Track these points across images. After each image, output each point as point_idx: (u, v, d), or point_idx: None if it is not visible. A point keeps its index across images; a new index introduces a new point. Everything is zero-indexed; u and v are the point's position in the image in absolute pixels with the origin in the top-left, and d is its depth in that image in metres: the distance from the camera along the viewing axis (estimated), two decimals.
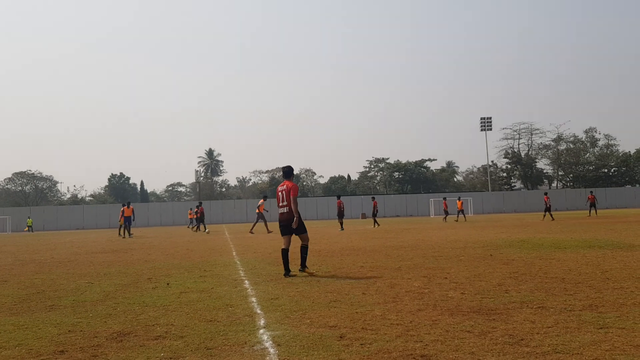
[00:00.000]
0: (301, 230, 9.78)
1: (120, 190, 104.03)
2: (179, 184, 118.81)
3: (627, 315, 5.32)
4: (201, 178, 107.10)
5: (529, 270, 8.95)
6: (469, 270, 9.20)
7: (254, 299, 7.07)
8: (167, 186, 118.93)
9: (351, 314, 5.86)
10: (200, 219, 35.62)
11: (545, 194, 35.75)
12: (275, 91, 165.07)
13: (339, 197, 30.00)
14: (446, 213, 40.15)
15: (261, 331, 5.22)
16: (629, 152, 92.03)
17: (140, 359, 4.40)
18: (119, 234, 30.97)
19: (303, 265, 9.68)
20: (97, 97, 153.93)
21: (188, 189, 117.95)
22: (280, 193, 9.84)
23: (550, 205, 33.82)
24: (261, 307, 6.46)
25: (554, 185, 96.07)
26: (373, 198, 33.42)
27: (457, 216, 41.01)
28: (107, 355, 4.54)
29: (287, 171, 10.13)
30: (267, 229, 28.85)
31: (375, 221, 32.36)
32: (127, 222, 28.80)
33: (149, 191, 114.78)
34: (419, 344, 4.53)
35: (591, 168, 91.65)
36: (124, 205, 29.29)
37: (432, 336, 4.79)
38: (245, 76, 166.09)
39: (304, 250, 9.73)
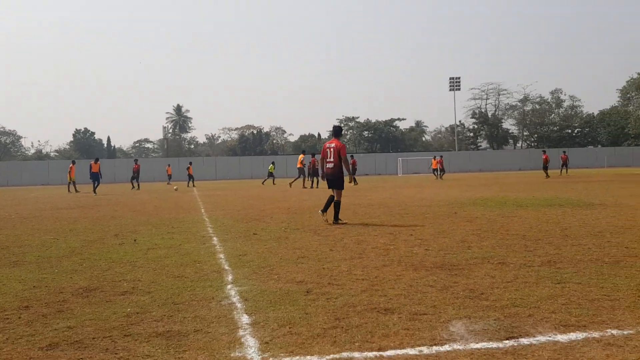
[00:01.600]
0: (340, 186, 10.68)
1: (86, 145, 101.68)
2: (147, 140, 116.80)
3: (583, 271, 5.54)
4: (169, 134, 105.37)
5: (491, 227, 9.20)
6: (433, 228, 9.40)
7: (222, 256, 7.12)
8: (134, 142, 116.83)
9: (318, 270, 5.96)
10: (190, 176, 38.32)
11: (544, 151, 36.77)
12: (245, 48, 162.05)
13: (313, 155, 30.01)
14: (437, 171, 40.81)
15: (229, 287, 5.28)
16: (593, 113, 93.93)
17: (106, 314, 4.42)
18: (68, 190, 31.01)
19: (336, 218, 10.52)
20: (60, 49, 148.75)
21: (156, 146, 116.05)
22: (328, 150, 10.76)
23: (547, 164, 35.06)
24: (229, 264, 6.51)
25: (518, 145, 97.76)
26: (352, 156, 33.39)
27: (436, 174, 41.40)
28: (73, 311, 4.54)
29: (337, 130, 11.15)
30: (303, 184, 29.34)
31: (354, 179, 31.23)
32: (94, 179, 28.48)
33: (116, 147, 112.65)
34: (383, 298, 4.65)
35: (555, 129, 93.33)
36: (92, 161, 29.07)
37: (396, 290, 4.92)
38: (214, 33, 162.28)
39: (337, 205, 10.59)
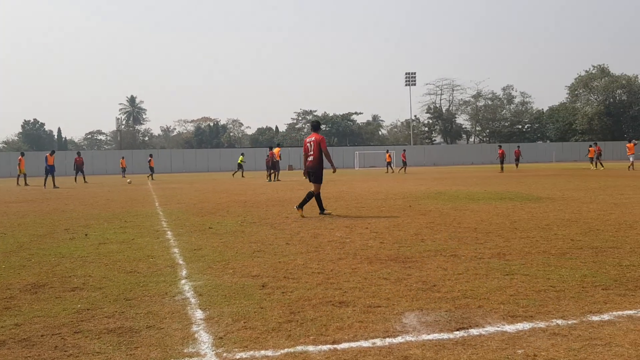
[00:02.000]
0: (317, 180, 10.83)
1: (36, 137, 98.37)
2: (99, 132, 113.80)
3: (531, 262, 5.72)
4: (122, 126, 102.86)
5: (444, 220, 9.39)
6: (388, 221, 9.52)
7: (176, 250, 7.02)
8: (86, 134, 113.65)
9: (274, 264, 5.96)
10: (152, 168, 38.41)
11: (500, 146, 37.87)
12: (201, 39, 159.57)
13: (271, 148, 30.15)
14: (391, 165, 41.94)
15: (183, 281, 5.21)
16: (542, 109, 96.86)
17: (55, 310, 4.30)
18: (17, 183, 30.08)
19: (301, 206, 10.66)
20: (8, 37, 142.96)
21: (109, 138, 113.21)
22: (308, 144, 10.93)
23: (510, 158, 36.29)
24: (183, 258, 6.43)
25: (471, 140, 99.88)
26: (270, 148, 33.40)
27: (388, 168, 42.16)
28: (21, 308, 4.40)
29: (316, 125, 11.26)
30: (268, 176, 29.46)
31: (269, 175, 30.10)
32: (52, 172, 27.50)
33: (67, 139, 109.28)
34: (338, 291, 4.69)
35: (506, 124, 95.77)
36: (48, 153, 28.02)
37: (351, 283, 4.97)
38: (169, 22, 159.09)
39: (309, 195, 10.79)
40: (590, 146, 37.98)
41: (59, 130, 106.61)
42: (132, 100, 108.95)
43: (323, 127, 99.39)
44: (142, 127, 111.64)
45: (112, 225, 9.93)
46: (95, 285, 5.15)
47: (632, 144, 33.14)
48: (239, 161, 38.30)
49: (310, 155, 10.84)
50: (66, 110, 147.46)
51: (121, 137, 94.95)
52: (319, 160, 10.85)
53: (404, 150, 42.91)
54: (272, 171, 29.29)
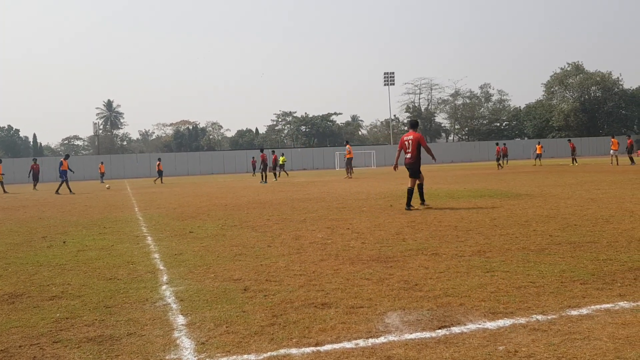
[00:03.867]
0: (415, 175, 11.46)
1: (11, 144, 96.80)
2: (76, 137, 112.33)
3: (511, 259, 5.79)
4: (100, 131, 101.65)
5: (425, 219, 9.44)
6: (370, 221, 9.55)
7: (156, 255, 6.96)
8: (63, 139, 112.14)
9: (256, 267, 5.93)
10: (160, 173, 38.86)
11: (504, 144, 38.52)
12: (178, 41, 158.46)
13: (262, 150, 31.07)
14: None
15: (164, 287, 5.17)
16: (520, 107, 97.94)
17: (34, 320, 4.23)
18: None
19: (422, 200, 11.61)
20: None
21: (86, 143, 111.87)
22: (406, 142, 11.55)
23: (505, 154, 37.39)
24: (164, 263, 6.38)
25: (450, 138, 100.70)
26: (273, 152, 33.70)
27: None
28: None
29: (414, 123, 11.95)
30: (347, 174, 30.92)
31: (262, 175, 30.16)
32: (35, 179, 26.91)
33: (43, 145, 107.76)
34: (320, 293, 4.69)
35: (485, 122, 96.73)
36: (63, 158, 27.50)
37: (333, 285, 4.97)
38: (145, 24, 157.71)
39: (420, 187, 11.59)
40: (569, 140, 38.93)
41: (35, 136, 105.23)
42: (109, 104, 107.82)
43: (303, 128, 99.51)
44: (120, 132, 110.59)
45: (90, 231, 9.80)
46: (74, 293, 5.08)
47: (616, 140, 33.78)
48: (280, 161, 39.73)
49: (408, 152, 11.46)
50: (41, 116, 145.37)
51: (99, 142, 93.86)
52: (417, 157, 11.48)
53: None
54: (275, 171, 31.04)
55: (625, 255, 5.73)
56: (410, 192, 11.45)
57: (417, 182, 11.49)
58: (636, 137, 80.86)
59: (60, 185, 26.49)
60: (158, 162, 39.93)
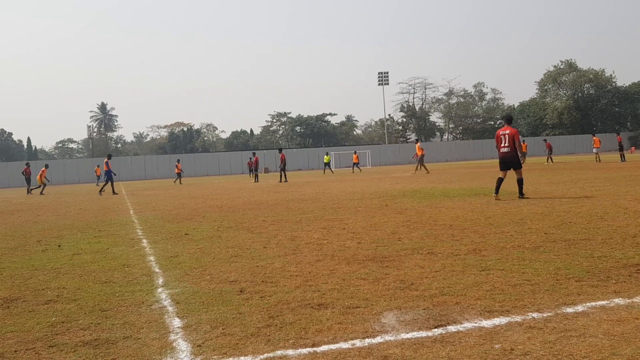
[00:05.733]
0: (518, 166, 12.27)
1: (4, 147, 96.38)
2: (70, 140, 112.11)
3: (506, 257, 5.80)
4: (94, 134, 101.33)
5: (421, 218, 9.46)
6: (365, 221, 9.55)
7: (152, 258, 6.94)
8: (57, 143, 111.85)
9: (252, 268, 5.93)
10: (179, 174, 39.34)
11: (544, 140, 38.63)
12: (172, 43, 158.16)
13: (280, 151, 32.65)
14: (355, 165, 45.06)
15: (159, 290, 5.15)
16: (513, 105, 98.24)
17: (29, 325, 4.21)
18: None
19: (521, 193, 12.15)
20: None
21: (80, 146, 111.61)
22: (502, 136, 12.34)
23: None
24: (160, 266, 6.36)
25: (445, 137, 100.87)
26: (280, 150, 33.55)
27: (352, 168, 43.41)
28: None
29: (509, 118, 12.78)
30: (419, 169, 32.10)
31: (281, 175, 31.22)
32: (27, 182, 27.53)
33: (37, 148, 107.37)
34: (316, 294, 4.69)
35: (479, 120, 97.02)
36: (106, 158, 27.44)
37: (329, 285, 4.97)
38: (138, 26, 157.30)
39: (520, 182, 12.28)
40: (545, 140, 38.85)
41: (29, 140, 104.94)
42: (102, 107, 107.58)
43: (297, 128, 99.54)
44: (114, 134, 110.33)
45: (85, 235, 9.77)
46: (70, 297, 5.06)
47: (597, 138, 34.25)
48: (325, 160, 44.40)
49: (506, 147, 12.23)
50: (35, 119, 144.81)
51: (93, 145, 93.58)
52: (515, 150, 12.23)
53: (418, 142, 44.75)
54: (281, 172, 31.13)
55: (620, 252, 5.75)
56: (499, 180, 12.31)
57: (518, 176, 12.25)
58: (629, 134, 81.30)
59: (105, 185, 26.24)
60: (177, 164, 40.38)
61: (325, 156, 45.99)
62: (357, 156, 45.50)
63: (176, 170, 39.75)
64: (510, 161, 12.27)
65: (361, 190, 18.00)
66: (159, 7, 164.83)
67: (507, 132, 12.31)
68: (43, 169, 31.38)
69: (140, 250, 7.64)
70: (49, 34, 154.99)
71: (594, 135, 36.56)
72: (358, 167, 44.64)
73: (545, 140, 39.61)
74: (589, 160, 34.77)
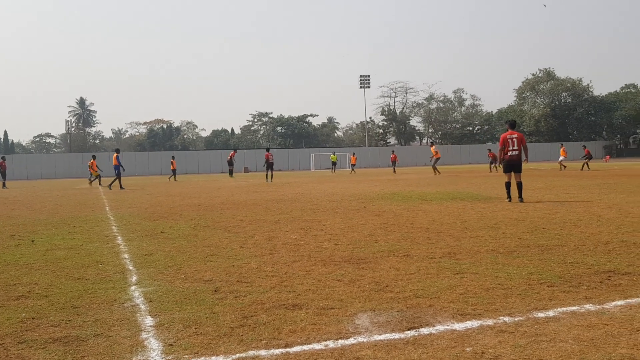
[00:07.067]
0: (520, 170, 12.76)
1: None
2: (48, 135, 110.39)
3: (480, 261, 5.86)
4: (72, 129, 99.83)
5: (398, 221, 9.51)
6: (343, 222, 9.57)
7: (126, 256, 6.86)
8: (35, 137, 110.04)
9: (227, 268, 5.90)
10: (174, 171, 39.48)
11: (489, 150, 38.64)
12: (153, 40, 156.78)
13: (268, 150, 32.14)
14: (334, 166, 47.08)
15: (132, 288, 5.10)
16: (492, 111, 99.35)
17: None
18: None
19: (521, 197, 12.42)
20: None
21: (58, 141, 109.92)
22: (510, 140, 12.72)
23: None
24: (134, 264, 6.29)
25: (424, 141, 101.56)
26: (268, 149, 33.26)
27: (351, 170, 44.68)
28: None
29: (513, 123, 13.24)
30: (436, 172, 32.65)
31: (267, 175, 30.48)
32: (3, 176, 27.61)
33: (14, 142, 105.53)
34: (291, 294, 4.68)
35: (458, 126, 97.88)
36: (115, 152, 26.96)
37: (305, 286, 4.97)
38: (119, 21, 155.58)
39: (520, 185, 12.61)
40: (489, 150, 39.13)
41: (5, 134, 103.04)
42: (81, 102, 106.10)
43: (279, 129, 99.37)
44: (92, 130, 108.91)
45: (60, 230, 9.63)
46: (41, 293, 4.98)
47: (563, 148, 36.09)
48: (333, 159, 46.71)
49: (516, 149, 12.66)
50: (12, 113, 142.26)
51: (71, 140, 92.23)
52: (521, 154, 12.76)
53: (353, 154, 46.65)
54: (269, 171, 30.40)
55: (592, 258, 5.85)
56: (508, 185, 12.72)
57: (517, 180, 12.57)
58: (604, 143, 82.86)
59: (114, 180, 25.76)
60: (172, 161, 40.49)
61: (332, 155, 47.92)
62: (356, 158, 46.81)
63: (171, 167, 39.60)
64: (516, 164, 12.70)
65: (340, 192, 18.03)
66: (139, 3, 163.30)
67: (515, 135, 12.75)
68: (92, 160, 30.34)
69: (115, 248, 7.55)
70: (28, 28, 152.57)
71: (562, 145, 38.11)
72: (353, 169, 45.50)
73: (584, 146, 39.62)
74: (574, 169, 35.19)
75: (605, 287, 4.69)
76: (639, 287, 4.66)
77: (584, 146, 39.32)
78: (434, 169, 33.45)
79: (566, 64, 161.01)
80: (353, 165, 45.72)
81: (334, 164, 47.28)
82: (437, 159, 33.64)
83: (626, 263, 5.58)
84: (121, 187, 25.16)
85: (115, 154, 26.66)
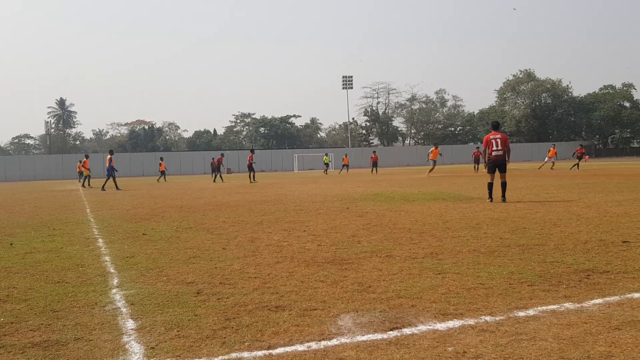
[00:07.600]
0: (505, 170, 12.94)
1: None
2: (27, 136, 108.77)
3: (462, 261, 5.91)
4: (52, 130, 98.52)
5: (380, 221, 9.54)
6: (326, 223, 9.58)
7: (107, 258, 6.79)
8: (13, 138, 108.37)
9: (210, 270, 5.87)
10: (163, 172, 39.01)
11: (477, 148, 38.58)
12: (134, 41, 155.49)
13: (252, 151, 32.22)
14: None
15: (114, 291, 5.05)
16: (473, 112, 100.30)
17: None
18: None
19: (504, 196, 12.60)
20: None
21: (37, 142, 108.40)
22: (493, 140, 12.85)
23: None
24: (115, 266, 6.23)
25: (407, 142, 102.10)
26: (252, 151, 33.13)
27: (340, 170, 45.45)
28: None
29: (496, 124, 13.42)
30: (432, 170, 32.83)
31: (250, 176, 30.70)
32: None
33: None
34: (274, 296, 4.68)
35: (440, 126, 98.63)
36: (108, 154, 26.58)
37: (288, 287, 4.96)
38: (98, 20, 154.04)
39: (504, 185, 12.85)
40: (478, 148, 39.30)
41: None
42: (61, 102, 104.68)
43: (261, 129, 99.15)
44: (72, 131, 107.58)
45: (39, 233, 9.50)
46: (20, 297, 4.90)
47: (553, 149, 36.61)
48: (325, 161, 47.69)
49: (499, 150, 12.80)
50: None
51: (51, 141, 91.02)
52: (505, 154, 12.89)
53: (346, 155, 47.02)
54: (251, 172, 30.50)
55: (571, 257, 5.93)
56: (490, 185, 12.85)
57: (502, 180, 12.77)
58: (583, 143, 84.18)
59: (106, 181, 25.56)
60: (161, 162, 40.07)
61: (325, 157, 49.11)
62: (348, 158, 47.09)
63: (160, 169, 39.27)
64: (501, 164, 12.84)
65: (323, 193, 18.04)
66: (120, 5, 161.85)
67: (499, 136, 12.88)
68: (85, 159, 30.09)
69: (96, 250, 7.47)
70: (6, 28, 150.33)
71: (554, 146, 38.62)
72: (346, 169, 46.11)
73: (581, 145, 39.68)
74: (563, 168, 35.64)
75: (584, 285, 4.75)
76: (617, 285, 4.74)
77: (581, 145, 39.42)
78: (432, 168, 33.48)
79: (546, 65, 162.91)
80: (346, 165, 46.10)
81: (327, 165, 48.00)
82: (435, 160, 33.54)
83: (604, 262, 5.67)
84: (117, 188, 25.05)
85: (109, 156, 26.46)
